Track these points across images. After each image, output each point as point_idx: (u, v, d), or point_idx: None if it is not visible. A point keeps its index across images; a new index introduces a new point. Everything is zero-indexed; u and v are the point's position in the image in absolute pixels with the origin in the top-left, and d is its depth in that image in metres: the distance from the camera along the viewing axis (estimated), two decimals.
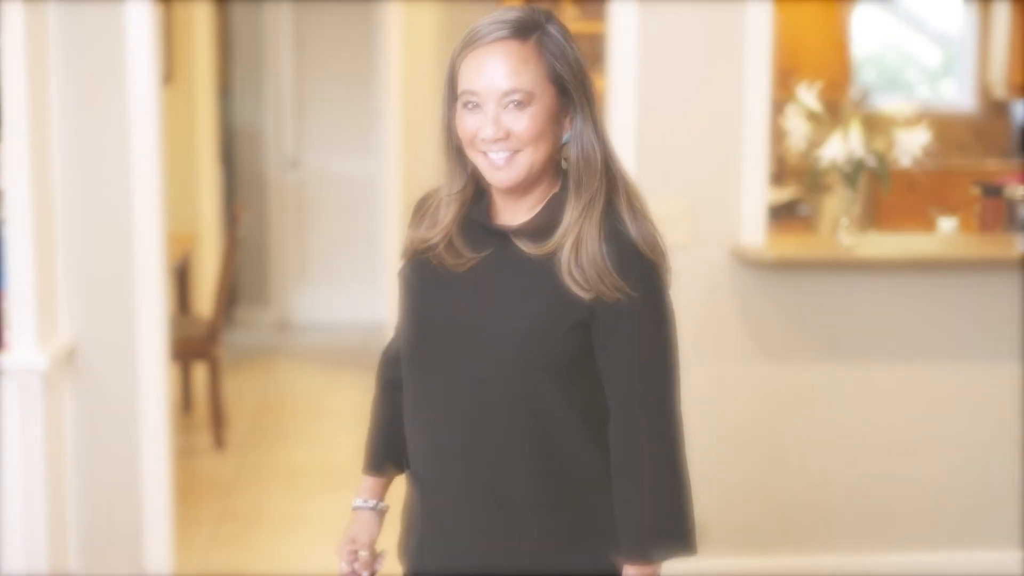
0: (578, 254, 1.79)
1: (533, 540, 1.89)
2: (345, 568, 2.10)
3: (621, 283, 1.78)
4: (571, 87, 1.83)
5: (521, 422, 1.85)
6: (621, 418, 1.84)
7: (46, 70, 3.52)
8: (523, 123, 1.81)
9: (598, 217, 1.81)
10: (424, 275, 1.94)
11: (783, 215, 5.95)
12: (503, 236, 1.87)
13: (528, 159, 1.83)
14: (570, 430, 1.86)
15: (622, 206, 1.84)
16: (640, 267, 1.80)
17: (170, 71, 6.01)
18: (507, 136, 1.82)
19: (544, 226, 1.84)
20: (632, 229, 1.81)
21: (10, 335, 3.45)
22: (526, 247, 1.84)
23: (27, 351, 3.44)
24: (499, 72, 1.81)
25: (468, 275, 1.88)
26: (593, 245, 1.79)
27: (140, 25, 3.58)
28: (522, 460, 1.86)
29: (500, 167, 1.85)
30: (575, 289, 1.78)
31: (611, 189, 1.84)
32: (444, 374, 1.89)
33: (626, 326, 1.81)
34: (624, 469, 1.85)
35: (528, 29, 1.82)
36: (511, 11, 1.85)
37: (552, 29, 1.84)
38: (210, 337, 5.34)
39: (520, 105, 1.81)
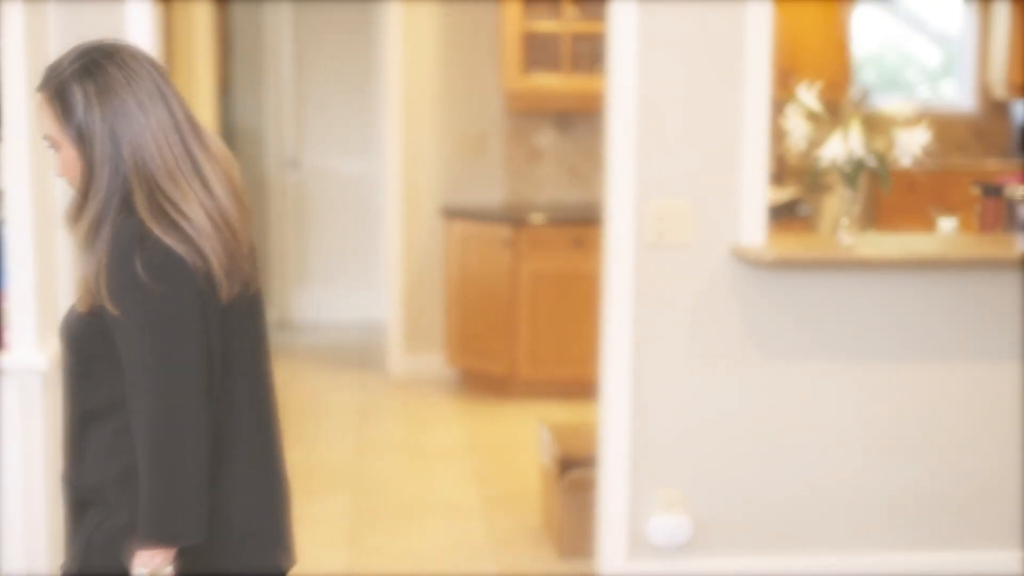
0: (83, 264, 2.00)
1: (90, 528, 2.05)
2: None
3: (106, 296, 1.94)
4: (71, 133, 1.99)
5: (77, 403, 2.05)
6: (130, 409, 1.98)
7: None
8: (55, 166, 2.04)
9: (102, 236, 1.97)
10: None
11: (783, 215, 5.95)
12: None
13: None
14: (112, 420, 2.01)
15: (132, 225, 1.96)
16: (124, 284, 1.93)
17: (170, 71, 6.00)
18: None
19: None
20: (123, 246, 1.94)
21: (10, 335, 3.45)
22: None
23: (27, 351, 3.44)
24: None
25: None
26: (90, 262, 1.98)
27: (140, 25, 3.58)
28: (76, 441, 2.06)
29: None
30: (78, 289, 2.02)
31: (130, 209, 1.97)
32: None
33: (117, 330, 1.96)
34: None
35: (44, 82, 2.02)
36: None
37: (58, 82, 1.99)
38: None
39: (54, 150, 2.03)
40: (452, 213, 6.42)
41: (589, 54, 6.51)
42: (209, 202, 1.99)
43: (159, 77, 2.03)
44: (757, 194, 3.75)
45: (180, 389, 1.94)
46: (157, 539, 1.94)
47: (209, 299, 1.98)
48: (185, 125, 2.02)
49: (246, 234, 2.05)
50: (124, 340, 1.95)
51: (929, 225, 4.68)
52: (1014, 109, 8.50)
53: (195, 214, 1.96)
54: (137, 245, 1.93)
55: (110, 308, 1.94)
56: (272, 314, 8.02)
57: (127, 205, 1.97)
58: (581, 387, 5.11)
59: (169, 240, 1.94)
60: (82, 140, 1.98)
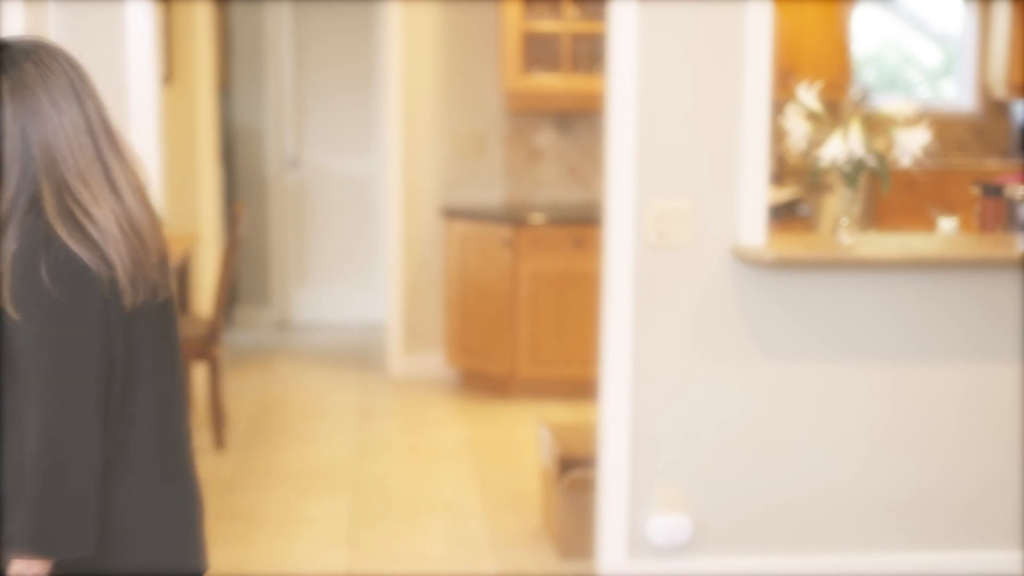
0: None
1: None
2: None
3: (7, 298, 1.90)
4: None
5: None
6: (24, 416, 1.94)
7: None
8: None
9: (9, 236, 1.93)
10: None
11: (783, 215, 5.95)
12: None
13: None
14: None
15: (41, 228, 1.93)
16: (26, 289, 1.89)
17: (170, 71, 6.01)
18: None
19: None
20: (28, 250, 1.90)
21: None
22: None
23: None
24: None
25: None
26: None
27: (140, 25, 3.58)
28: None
29: None
30: None
31: (38, 210, 1.94)
32: None
33: (17, 334, 1.92)
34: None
35: None
36: None
37: None
38: (210, 337, 5.34)
39: None
40: (452, 213, 6.42)
41: (589, 54, 6.51)
42: (118, 207, 1.96)
43: (76, 77, 1.99)
44: (757, 194, 3.75)
45: (74, 399, 1.91)
46: (36, 550, 1.90)
47: (112, 307, 1.95)
48: (99, 127, 1.99)
49: (155, 242, 2.02)
50: (22, 345, 1.92)
51: (929, 225, 4.68)
52: (1014, 109, 8.51)
53: (103, 218, 1.94)
54: (42, 250, 1.90)
55: (10, 311, 1.90)
56: (272, 314, 8.03)
57: (35, 206, 1.94)
58: (581, 387, 5.11)
59: (74, 245, 1.91)
60: None
